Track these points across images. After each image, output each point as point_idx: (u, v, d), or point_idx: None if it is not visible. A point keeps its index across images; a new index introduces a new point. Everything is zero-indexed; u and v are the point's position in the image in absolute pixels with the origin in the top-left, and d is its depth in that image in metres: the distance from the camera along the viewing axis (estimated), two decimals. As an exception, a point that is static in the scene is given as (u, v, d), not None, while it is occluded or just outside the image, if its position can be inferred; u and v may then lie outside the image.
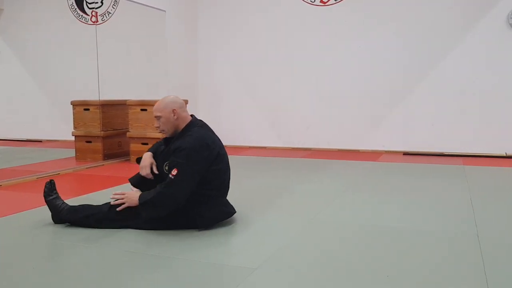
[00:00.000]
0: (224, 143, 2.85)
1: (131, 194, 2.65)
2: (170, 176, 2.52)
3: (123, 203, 2.64)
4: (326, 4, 6.27)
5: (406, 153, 5.94)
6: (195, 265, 2.15)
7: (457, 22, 5.70)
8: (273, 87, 6.66)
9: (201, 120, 2.85)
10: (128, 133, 5.32)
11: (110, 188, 3.85)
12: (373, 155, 5.84)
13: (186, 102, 5.63)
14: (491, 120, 5.64)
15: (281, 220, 2.91)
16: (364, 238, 2.55)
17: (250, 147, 6.71)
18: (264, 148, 6.67)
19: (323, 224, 2.81)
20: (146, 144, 5.17)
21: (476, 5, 5.61)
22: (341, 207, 3.24)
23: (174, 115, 2.70)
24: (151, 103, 5.20)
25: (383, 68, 6.07)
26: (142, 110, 5.24)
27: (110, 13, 6.39)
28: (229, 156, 2.83)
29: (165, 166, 2.66)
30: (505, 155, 5.52)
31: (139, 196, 2.60)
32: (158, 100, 2.78)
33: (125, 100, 5.41)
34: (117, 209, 2.63)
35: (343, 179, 4.28)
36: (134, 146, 5.26)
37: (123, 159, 5.48)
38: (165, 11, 6.17)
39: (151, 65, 6.21)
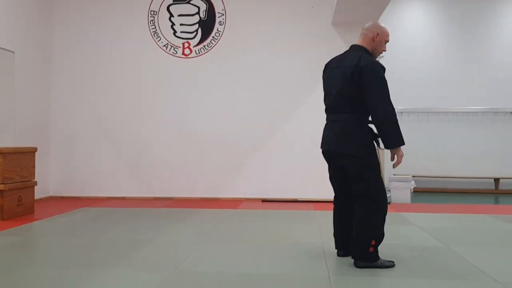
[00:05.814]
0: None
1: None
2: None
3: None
4: (188, 56, 6.47)
5: (264, 200, 6.24)
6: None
7: (305, 82, 6.33)
8: (134, 134, 6.51)
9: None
10: (-39, 184, 4.63)
11: None
12: (234, 203, 5.99)
13: (35, 149, 5.23)
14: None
15: (139, 274, 2.78)
16: (224, 287, 2.56)
17: (107, 198, 6.35)
18: (124, 198, 6.38)
19: (184, 276, 2.76)
20: (-16, 196, 4.56)
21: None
22: (201, 257, 3.23)
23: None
24: (-8, 150, 4.65)
25: (243, 118, 6.40)
26: (-20, 158, 4.64)
27: None
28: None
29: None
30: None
31: (389, 144, 2.85)
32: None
33: (-41, 147, 4.74)
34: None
35: (204, 228, 4.29)
36: (-31, 200, 4.58)
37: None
38: (13, 52, 5.71)
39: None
